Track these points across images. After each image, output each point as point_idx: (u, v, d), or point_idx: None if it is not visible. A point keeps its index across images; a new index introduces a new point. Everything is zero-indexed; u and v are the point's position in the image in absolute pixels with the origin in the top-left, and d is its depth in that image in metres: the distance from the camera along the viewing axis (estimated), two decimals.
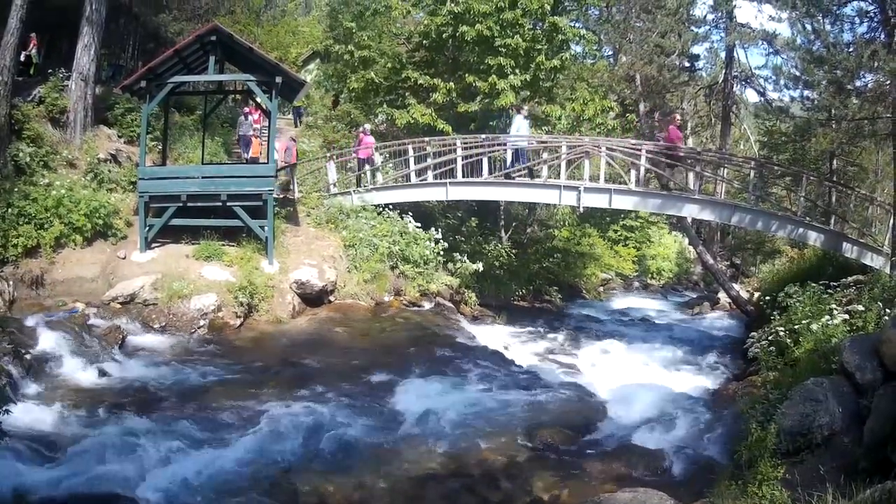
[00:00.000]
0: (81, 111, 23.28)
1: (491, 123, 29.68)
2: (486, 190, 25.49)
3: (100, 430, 12.07)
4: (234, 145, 29.96)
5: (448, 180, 25.09)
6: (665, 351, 22.83)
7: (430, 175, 25.72)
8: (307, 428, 12.89)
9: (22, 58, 23.52)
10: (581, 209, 25.84)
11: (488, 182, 24.93)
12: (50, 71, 23.59)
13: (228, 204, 20.96)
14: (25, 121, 21.69)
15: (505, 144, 25.33)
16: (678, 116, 27.07)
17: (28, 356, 13.96)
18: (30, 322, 15.57)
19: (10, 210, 19.23)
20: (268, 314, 19.86)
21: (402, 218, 24.99)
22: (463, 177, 25.15)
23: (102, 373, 14.71)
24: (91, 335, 15.91)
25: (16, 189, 19.73)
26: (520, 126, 25.01)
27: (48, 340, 14.82)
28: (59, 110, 23.06)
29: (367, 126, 27.82)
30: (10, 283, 18.08)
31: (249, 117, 28.69)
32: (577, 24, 36.13)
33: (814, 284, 16.40)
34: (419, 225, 25.12)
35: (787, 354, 14.01)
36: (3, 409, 10.46)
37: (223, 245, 20.93)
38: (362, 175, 26.84)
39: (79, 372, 14.48)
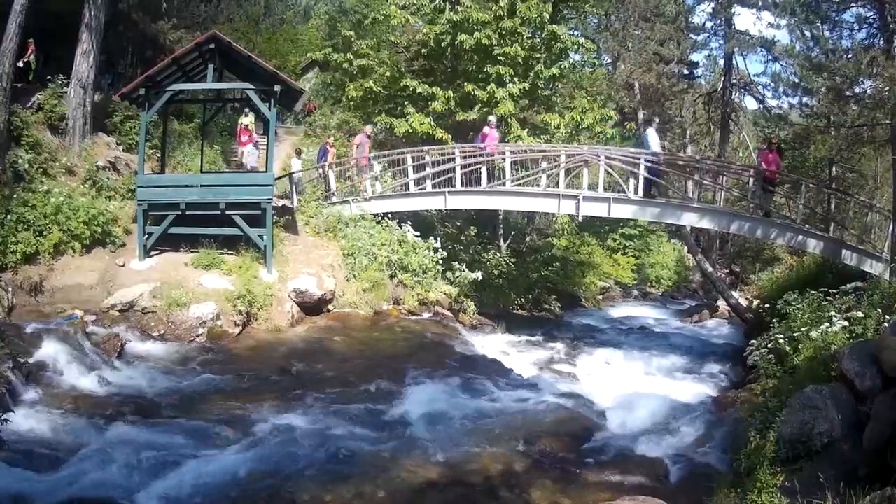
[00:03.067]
0: (80, 118, 23.29)
1: None
2: (484, 199, 25.49)
3: (99, 437, 12.06)
4: (232, 154, 29.93)
5: (447, 189, 25.05)
6: (664, 359, 22.84)
7: (428, 184, 25.69)
8: (305, 436, 12.88)
9: (21, 64, 23.48)
10: (580, 218, 25.82)
11: (487, 191, 24.91)
12: (49, 77, 23.61)
13: (227, 212, 20.90)
14: (24, 127, 21.71)
15: (504, 153, 25.31)
16: (773, 140, 26.74)
17: (27, 363, 13.92)
18: (29, 329, 15.50)
19: (9, 217, 19.21)
20: (266, 323, 19.82)
21: (400, 227, 24.95)
22: (462, 186, 25.13)
23: (101, 380, 14.65)
24: (90, 343, 15.84)
25: (15, 196, 19.73)
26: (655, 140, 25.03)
27: (47, 348, 14.74)
28: (58, 117, 23.10)
29: (493, 118, 27.16)
30: (10, 289, 18.03)
31: (250, 145, 27.90)
32: (575, 33, 36.30)
33: (813, 292, 16.39)
34: (418, 234, 25.07)
35: (786, 362, 13.99)
36: (2, 418, 10.48)
37: (222, 254, 20.87)
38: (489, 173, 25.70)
39: (78, 379, 14.42)
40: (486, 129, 26.45)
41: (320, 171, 27.11)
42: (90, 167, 22.53)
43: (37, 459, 11.06)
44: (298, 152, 29.44)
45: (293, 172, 26.54)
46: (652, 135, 25.29)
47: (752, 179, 23.84)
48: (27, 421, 12.21)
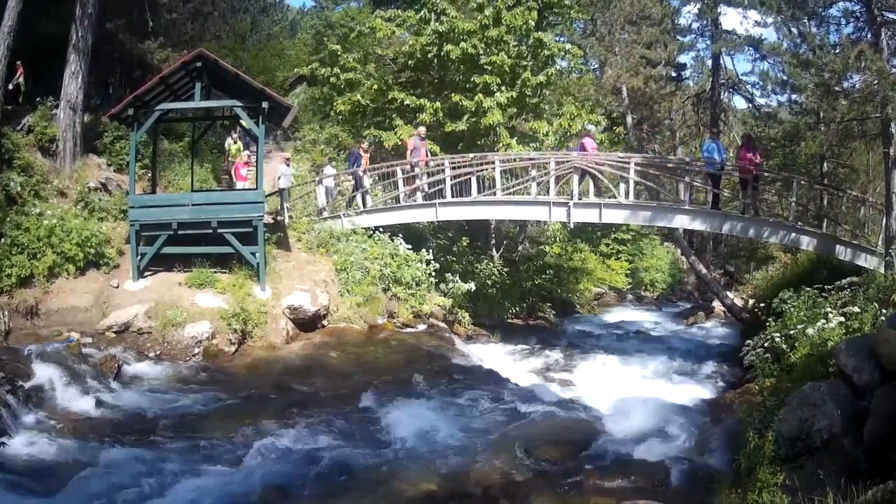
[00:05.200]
0: (70, 140, 23.23)
1: (478, 142, 29.61)
2: (475, 209, 25.48)
3: (98, 459, 12.02)
4: (222, 172, 29.85)
5: (437, 201, 25.05)
6: (661, 362, 22.83)
7: (419, 196, 25.70)
8: (304, 452, 12.88)
9: (10, 86, 23.44)
10: (571, 225, 25.83)
11: (478, 201, 24.90)
12: (38, 99, 23.53)
13: (219, 231, 20.84)
14: (15, 150, 21.66)
15: (493, 163, 25.32)
16: (747, 134, 26.72)
17: (25, 386, 13.94)
18: (26, 352, 15.56)
19: (2, 240, 19.24)
20: (262, 340, 19.76)
21: (392, 240, 24.88)
22: (452, 197, 25.13)
23: (99, 402, 14.62)
24: (87, 365, 15.83)
25: (8, 219, 19.71)
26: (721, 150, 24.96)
27: (45, 371, 14.74)
28: (49, 139, 23.00)
29: (591, 127, 26.83)
30: (5, 313, 18.00)
31: (283, 164, 27.14)
32: (561, 39, 36.24)
33: (808, 289, 16.42)
34: (410, 246, 25.00)
35: (783, 360, 13.99)
36: (1, 441, 10.46)
37: (215, 272, 20.82)
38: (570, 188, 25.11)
39: (76, 402, 14.41)
40: (585, 140, 26.09)
41: (351, 176, 27.41)
42: (82, 188, 22.45)
43: (36, 482, 11.07)
44: (330, 160, 29.63)
45: (281, 190, 26.44)
46: (717, 145, 25.20)
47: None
48: (26, 444, 12.25)
